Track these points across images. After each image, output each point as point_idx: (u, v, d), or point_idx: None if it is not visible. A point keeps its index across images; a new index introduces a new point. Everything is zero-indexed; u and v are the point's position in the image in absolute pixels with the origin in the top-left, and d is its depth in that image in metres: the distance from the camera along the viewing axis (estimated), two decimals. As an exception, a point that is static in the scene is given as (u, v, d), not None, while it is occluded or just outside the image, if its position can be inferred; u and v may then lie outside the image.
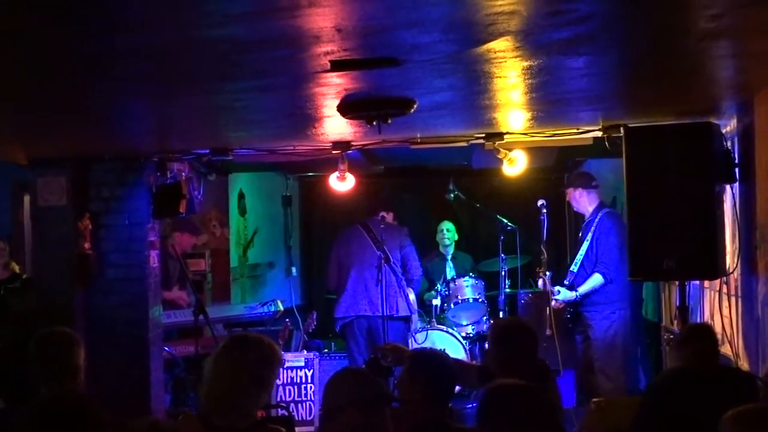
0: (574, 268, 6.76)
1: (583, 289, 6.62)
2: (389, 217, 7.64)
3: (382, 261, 7.10)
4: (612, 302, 6.59)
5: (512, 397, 2.78)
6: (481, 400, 2.85)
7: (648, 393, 4.12)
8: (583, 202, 6.83)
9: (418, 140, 5.98)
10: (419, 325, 7.65)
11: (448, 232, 8.53)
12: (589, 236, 6.66)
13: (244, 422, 3.12)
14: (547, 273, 6.83)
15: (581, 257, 6.70)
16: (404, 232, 7.63)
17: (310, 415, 7.06)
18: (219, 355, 3.20)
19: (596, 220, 6.67)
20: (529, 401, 2.80)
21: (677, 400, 3.88)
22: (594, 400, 5.32)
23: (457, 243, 8.64)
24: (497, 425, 2.78)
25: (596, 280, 6.58)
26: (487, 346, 5.20)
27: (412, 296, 7.46)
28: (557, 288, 6.73)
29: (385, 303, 7.05)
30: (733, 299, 5.17)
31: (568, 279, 6.79)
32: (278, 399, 6.88)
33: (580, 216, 7.60)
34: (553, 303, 6.71)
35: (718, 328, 5.22)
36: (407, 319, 7.33)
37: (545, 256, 6.91)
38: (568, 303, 6.72)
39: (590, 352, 6.66)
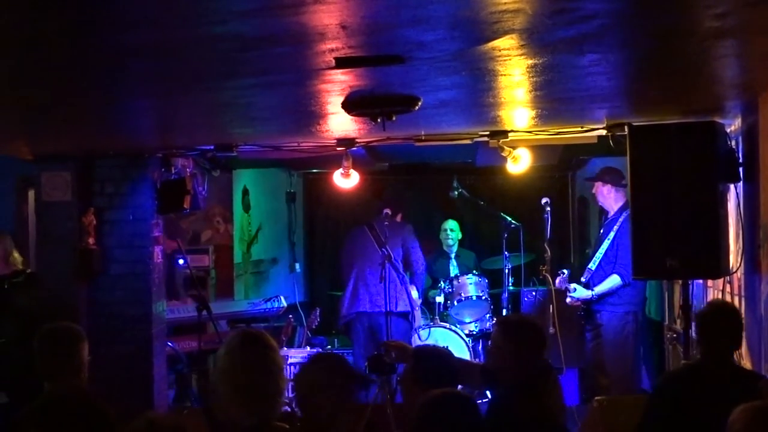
0: (592, 266, 6.64)
1: (600, 289, 6.51)
2: (397, 217, 7.64)
3: (385, 259, 7.11)
4: (628, 303, 6.50)
5: (444, 407, 2.76)
6: (416, 412, 2.82)
7: (655, 393, 4.04)
8: (610, 199, 6.69)
9: (423, 138, 5.98)
10: (422, 322, 7.65)
11: (452, 232, 8.52)
12: (611, 235, 6.54)
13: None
14: (565, 271, 6.78)
15: (600, 256, 6.59)
16: (408, 228, 7.63)
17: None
18: (226, 353, 3.19)
19: (620, 219, 6.51)
20: (459, 410, 2.77)
21: (684, 401, 3.82)
22: (596, 398, 5.32)
23: (460, 241, 8.64)
24: None
25: (614, 281, 6.46)
26: (490, 343, 5.18)
27: (414, 293, 7.46)
28: (573, 285, 6.61)
29: (387, 299, 7.06)
30: (736, 299, 5.17)
31: (585, 277, 6.68)
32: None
33: (584, 214, 7.58)
34: (568, 300, 6.64)
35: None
36: (407, 315, 7.32)
37: (549, 254, 6.89)
38: (583, 301, 6.64)
39: (601, 352, 6.58)
